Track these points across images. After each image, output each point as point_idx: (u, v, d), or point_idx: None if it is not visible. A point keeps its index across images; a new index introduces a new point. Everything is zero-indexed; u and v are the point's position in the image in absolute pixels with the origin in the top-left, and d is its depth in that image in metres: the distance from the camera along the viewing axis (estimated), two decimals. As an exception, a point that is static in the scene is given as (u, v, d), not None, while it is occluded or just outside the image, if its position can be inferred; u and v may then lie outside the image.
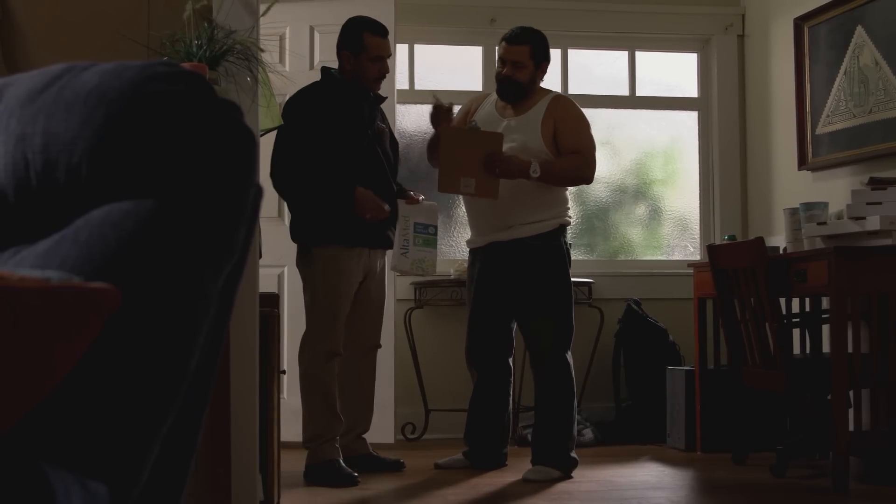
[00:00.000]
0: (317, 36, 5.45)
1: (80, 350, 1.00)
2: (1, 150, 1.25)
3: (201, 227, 1.16)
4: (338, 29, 5.43)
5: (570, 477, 4.31)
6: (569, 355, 4.39)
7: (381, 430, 5.21)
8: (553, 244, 4.41)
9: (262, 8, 3.08)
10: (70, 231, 1.15)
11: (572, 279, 5.61)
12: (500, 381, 4.60)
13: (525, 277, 4.39)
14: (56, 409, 1.03)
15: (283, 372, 3.95)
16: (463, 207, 5.84)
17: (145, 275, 1.10)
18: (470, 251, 4.64)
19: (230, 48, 2.82)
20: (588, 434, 5.41)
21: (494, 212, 4.42)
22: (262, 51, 2.93)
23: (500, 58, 4.55)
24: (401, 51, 5.84)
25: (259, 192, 1.30)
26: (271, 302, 3.46)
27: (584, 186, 6.06)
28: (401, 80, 5.79)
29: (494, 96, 4.61)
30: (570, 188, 4.55)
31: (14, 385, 0.95)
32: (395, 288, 5.32)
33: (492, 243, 4.46)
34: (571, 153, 4.38)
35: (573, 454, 4.37)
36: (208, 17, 2.92)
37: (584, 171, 4.41)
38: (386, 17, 5.35)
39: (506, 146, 4.32)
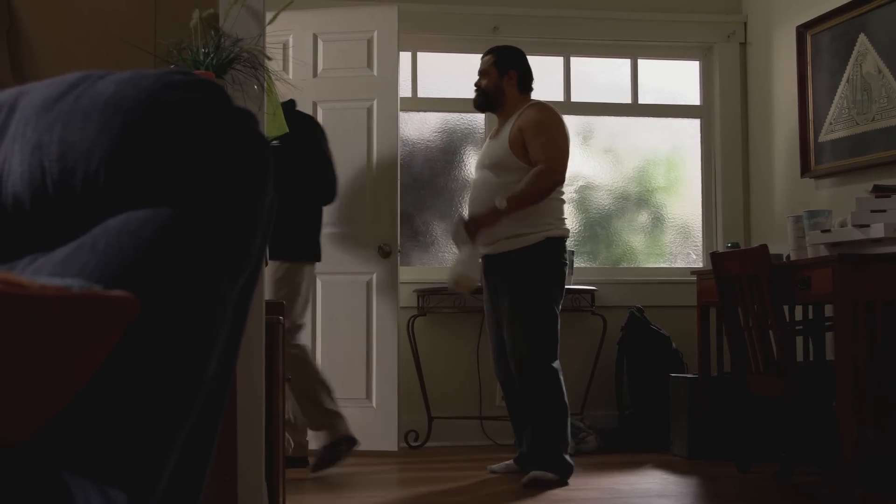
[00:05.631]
0: (320, 44, 5.46)
1: (100, 358, 1.00)
2: (17, 158, 1.25)
3: (218, 235, 1.16)
4: (341, 37, 5.44)
5: (566, 483, 4.31)
6: (555, 364, 4.42)
7: (385, 437, 5.20)
8: (535, 257, 4.41)
9: (269, 16, 3.09)
10: (88, 239, 1.16)
11: (574, 286, 5.66)
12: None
13: (504, 289, 4.48)
14: (76, 417, 1.03)
15: (289, 379, 3.95)
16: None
17: (163, 283, 1.10)
18: None
19: (237, 56, 2.82)
20: (591, 441, 5.41)
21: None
22: (270, 59, 2.94)
23: None
24: (404, 59, 5.85)
25: (274, 200, 1.30)
26: (276, 310, 3.47)
27: (586, 194, 6.12)
28: (404, 88, 5.80)
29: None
30: (564, 199, 4.59)
31: (35, 392, 0.95)
32: (399, 295, 5.32)
33: (487, 255, 4.57)
34: (537, 162, 4.41)
35: (568, 458, 4.38)
36: (215, 26, 2.92)
37: (548, 180, 4.40)
38: (389, 25, 5.37)
39: (485, 161, 4.61)
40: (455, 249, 4.64)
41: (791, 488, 4.27)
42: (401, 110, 5.61)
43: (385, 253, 5.22)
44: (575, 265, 5.81)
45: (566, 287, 5.60)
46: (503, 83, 4.63)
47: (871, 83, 4.99)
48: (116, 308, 1.01)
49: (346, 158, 5.33)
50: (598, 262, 6.15)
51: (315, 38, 5.45)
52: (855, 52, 5.09)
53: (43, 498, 0.95)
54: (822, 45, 5.36)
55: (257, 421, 3.01)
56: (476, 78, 4.78)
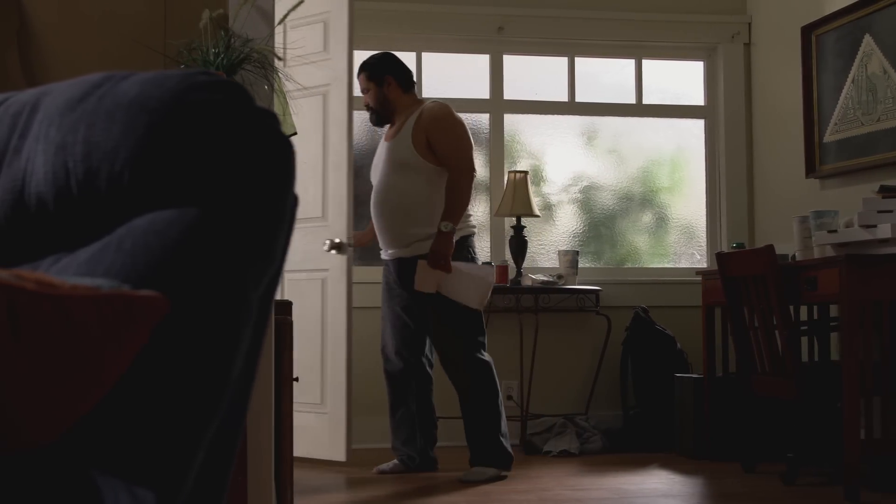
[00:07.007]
0: (285, 28, 5.15)
1: (130, 358, 1.00)
2: (41, 158, 1.25)
3: (244, 235, 1.16)
4: (301, 21, 5.08)
5: (505, 476, 4.54)
6: (486, 356, 4.58)
7: (332, 446, 4.99)
8: (455, 257, 4.51)
9: (278, 17, 3.09)
10: (113, 239, 1.16)
11: (578, 286, 5.67)
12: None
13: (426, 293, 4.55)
14: (105, 416, 1.03)
15: (296, 379, 3.94)
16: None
17: (191, 282, 1.10)
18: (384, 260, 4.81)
19: (247, 56, 2.82)
20: (596, 441, 5.42)
21: (393, 230, 4.60)
22: (280, 59, 2.94)
23: None
24: (408, 59, 5.83)
25: (295, 200, 1.31)
26: (284, 309, 3.47)
27: (590, 194, 6.13)
28: (408, 88, 5.79)
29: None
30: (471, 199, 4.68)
31: (66, 392, 0.95)
32: (354, 294, 5.07)
33: (399, 258, 4.62)
34: (446, 166, 4.53)
35: (508, 447, 4.57)
36: (225, 26, 2.92)
37: (467, 181, 4.53)
38: (340, 5, 4.91)
39: (387, 163, 4.60)
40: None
41: (797, 488, 4.27)
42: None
43: (337, 247, 4.65)
44: (579, 265, 5.82)
45: (571, 287, 5.67)
46: (385, 91, 4.69)
47: (876, 84, 4.99)
48: (145, 308, 1.01)
49: (304, 150, 4.86)
50: (602, 262, 6.16)
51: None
52: (860, 53, 5.10)
53: (73, 497, 0.96)
54: (826, 45, 5.37)
55: (266, 421, 3.01)
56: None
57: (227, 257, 1.14)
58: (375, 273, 5.61)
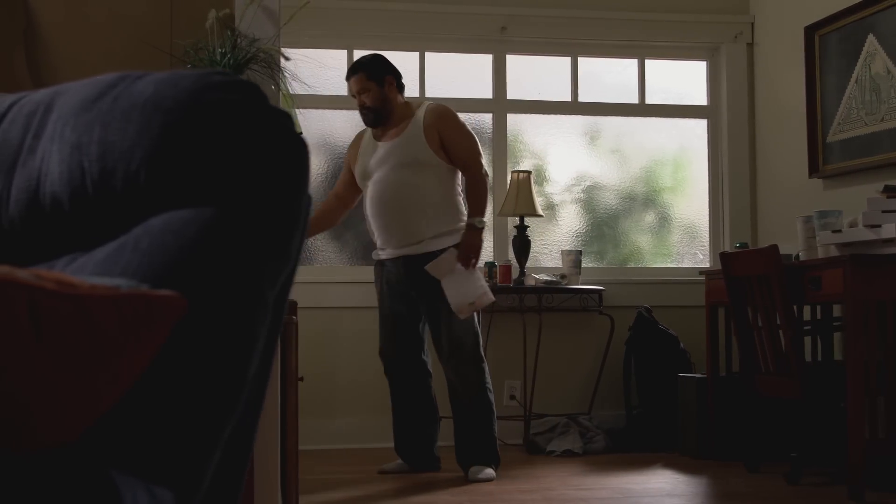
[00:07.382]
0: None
1: (149, 357, 1.00)
2: (56, 158, 1.26)
3: (260, 235, 1.16)
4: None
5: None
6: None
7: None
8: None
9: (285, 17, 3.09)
10: (130, 239, 1.16)
11: (581, 286, 5.68)
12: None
13: (437, 288, 4.50)
14: (124, 416, 1.04)
15: (301, 378, 3.95)
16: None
17: (208, 282, 1.11)
18: (375, 262, 4.76)
19: (254, 56, 2.83)
20: (599, 441, 5.42)
21: (404, 228, 4.55)
22: (287, 59, 2.94)
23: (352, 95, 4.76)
24: (411, 59, 5.85)
25: (309, 200, 1.31)
26: (289, 309, 3.47)
27: (593, 194, 6.13)
28: (411, 88, 5.79)
29: (369, 129, 4.78)
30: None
31: (85, 391, 0.96)
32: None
33: (407, 256, 4.56)
34: (462, 166, 4.58)
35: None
36: (231, 26, 2.92)
37: (481, 177, 4.57)
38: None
39: (392, 162, 4.55)
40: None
41: (801, 488, 4.28)
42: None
43: None
44: (582, 265, 5.82)
45: (574, 287, 5.68)
46: (386, 91, 4.64)
47: (879, 84, 4.99)
48: (164, 308, 1.01)
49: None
50: (605, 262, 6.16)
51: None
52: (864, 53, 5.10)
53: (92, 496, 0.96)
54: (830, 45, 5.37)
55: (273, 420, 3.02)
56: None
57: (243, 257, 1.14)
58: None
